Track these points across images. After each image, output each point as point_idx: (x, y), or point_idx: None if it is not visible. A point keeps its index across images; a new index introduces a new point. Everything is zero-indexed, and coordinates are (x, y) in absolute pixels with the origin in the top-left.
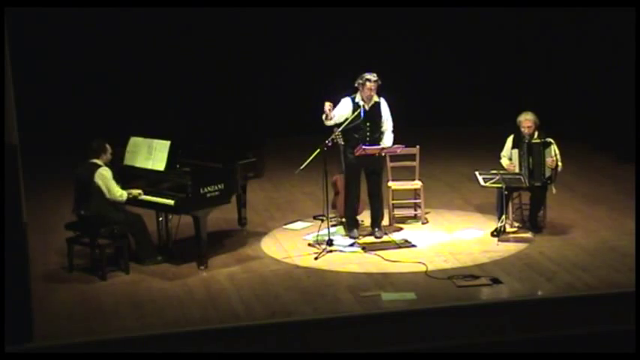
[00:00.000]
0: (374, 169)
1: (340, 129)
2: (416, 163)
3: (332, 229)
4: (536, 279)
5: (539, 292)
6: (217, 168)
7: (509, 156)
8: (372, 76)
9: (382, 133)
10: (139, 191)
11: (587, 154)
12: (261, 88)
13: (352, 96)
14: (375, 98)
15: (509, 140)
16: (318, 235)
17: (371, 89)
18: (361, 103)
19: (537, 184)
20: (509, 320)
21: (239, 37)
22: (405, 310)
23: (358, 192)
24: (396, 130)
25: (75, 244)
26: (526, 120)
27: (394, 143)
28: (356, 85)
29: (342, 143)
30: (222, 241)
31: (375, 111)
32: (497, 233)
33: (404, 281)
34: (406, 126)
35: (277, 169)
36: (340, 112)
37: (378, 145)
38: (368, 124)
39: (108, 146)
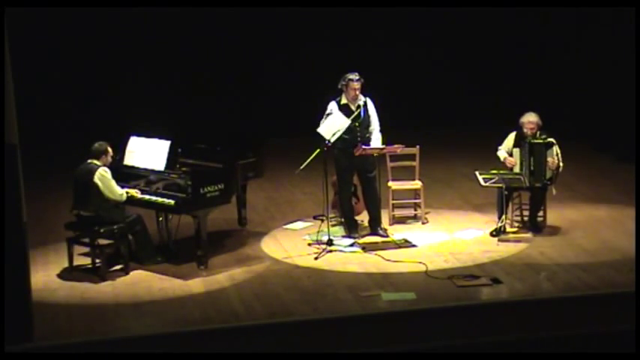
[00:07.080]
0: (367, 169)
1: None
2: (416, 163)
3: (331, 229)
4: (536, 279)
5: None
6: (217, 168)
7: (507, 151)
8: (355, 76)
9: (370, 132)
10: (137, 190)
11: (587, 154)
12: (262, 88)
13: (337, 99)
14: (362, 97)
15: (511, 137)
16: (319, 233)
17: (355, 89)
18: (349, 103)
19: (538, 184)
20: (509, 320)
21: (239, 37)
22: (405, 310)
23: (351, 193)
24: (396, 130)
25: (75, 244)
26: (529, 122)
27: (388, 142)
28: (339, 87)
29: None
30: (222, 241)
31: (363, 111)
32: (497, 233)
33: (404, 281)
34: (406, 126)
35: (277, 169)
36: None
37: (369, 145)
38: (357, 124)
39: (110, 150)
